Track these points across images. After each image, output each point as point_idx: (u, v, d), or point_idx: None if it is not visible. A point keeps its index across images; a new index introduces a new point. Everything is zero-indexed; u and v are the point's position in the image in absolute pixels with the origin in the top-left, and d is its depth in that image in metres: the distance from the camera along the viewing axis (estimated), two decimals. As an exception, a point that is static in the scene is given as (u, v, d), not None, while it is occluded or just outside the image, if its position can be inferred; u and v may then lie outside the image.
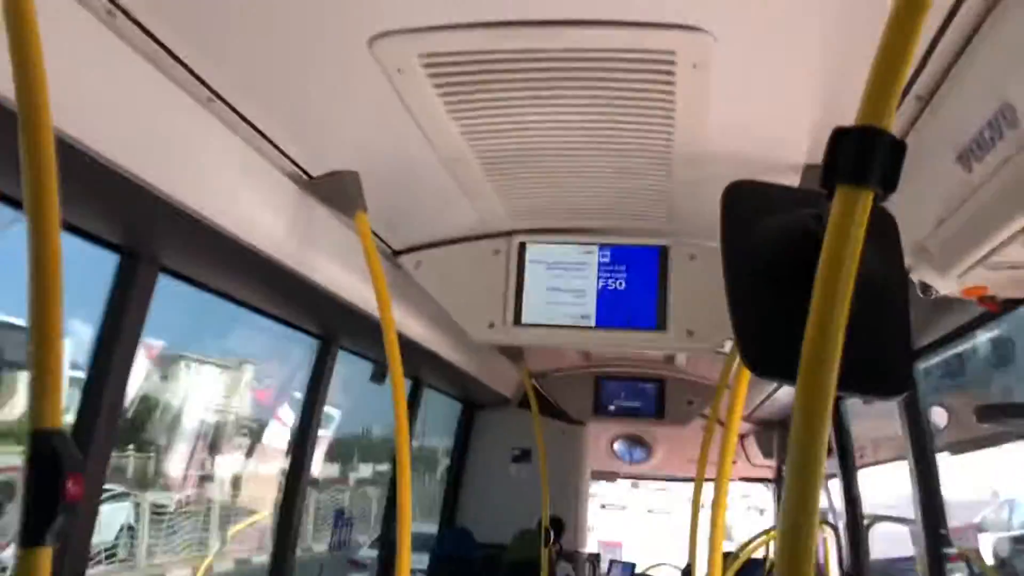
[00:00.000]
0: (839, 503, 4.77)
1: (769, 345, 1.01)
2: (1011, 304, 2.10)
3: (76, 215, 2.07)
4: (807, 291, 0.90)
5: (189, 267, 2.59)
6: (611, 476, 7.93)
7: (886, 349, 1.05)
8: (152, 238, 2.33)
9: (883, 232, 1.13)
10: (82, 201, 1.96)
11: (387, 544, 5.00)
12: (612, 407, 6.01)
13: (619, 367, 6.00)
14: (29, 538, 0.93)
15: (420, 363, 4.43)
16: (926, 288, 2.02)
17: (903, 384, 1.03)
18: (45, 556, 0.94)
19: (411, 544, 2.39)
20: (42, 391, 0.97)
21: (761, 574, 5.80)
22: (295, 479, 3.74)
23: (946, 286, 1.97)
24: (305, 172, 2.44)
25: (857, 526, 4.64)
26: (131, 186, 1.84)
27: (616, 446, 7.18)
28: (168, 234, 2.28)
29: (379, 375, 4.31)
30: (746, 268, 1.07)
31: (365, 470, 9.74)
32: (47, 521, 0.94)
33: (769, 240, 1.08)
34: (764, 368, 1.01)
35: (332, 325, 3.57)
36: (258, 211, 2.34)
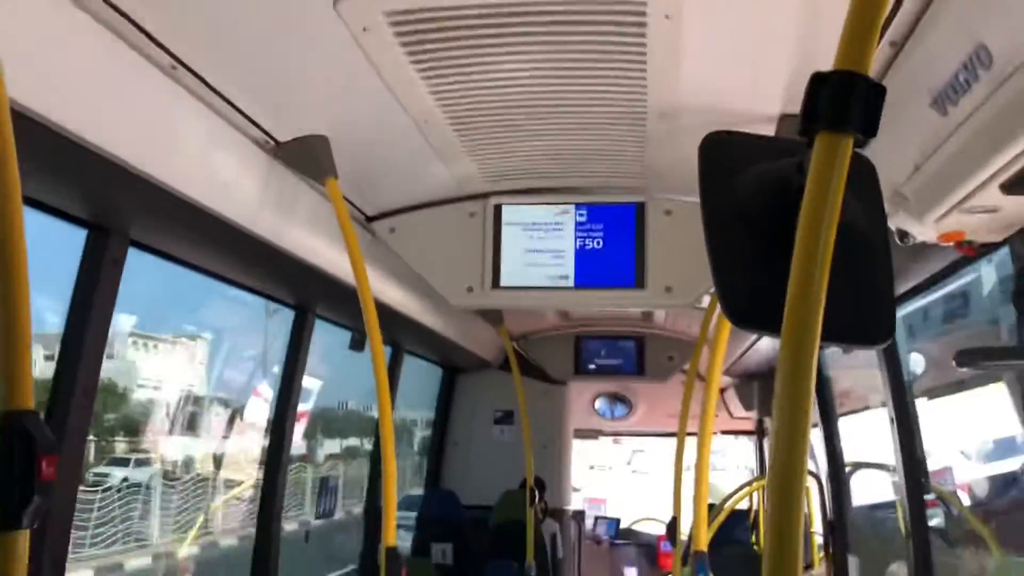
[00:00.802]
0: (820, 452, 4.83)
1: (751, 297, 1.00)
2: (987, 248, 2.11)
3: (40, 190, 2.02)
4: (789, 241, 0.89)
5: (160, 240, 2.55)
6: (593, 434, 7.99)
7: (869, 297, 1.04)
8: (120, 211, 2.28)
9: (863, 179, 1.11)
10: (45, 175, 1.91)
11: (373, 509, 5.02)
12: (592, 366, 6.04)
13: (598, 326, 6.01)
14: (6, 521, 0.91)
15: (399, 329, 4.42)
16: (903, 235, 2.02)
17: (887, 332, 1.02)
18: (23, 539, 0.92)
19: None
20: (10, 373, 0.94)
21: (746, 525, 5.89)
22: (277, 448, 3.73)
23: (923, 232, 1.97)
24: (273, 139, 2.39)
25: (839, 474, 4.70)
26: (94, 158, 1.80)
27: (597, 404, 7.22)
28: (136, 206, 2.24)
29: (358, 343, 4.28)
30: (726, 220, 1.05)
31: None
32: (23, 503, 0.92)
33: (749, 191, 1.06)
34: (746, 321, 1.00)
35: (308, 294, 3.53)
36: (227, 179, 2.30)
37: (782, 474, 0.84)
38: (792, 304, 0.87)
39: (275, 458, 3.71)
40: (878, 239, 1.08)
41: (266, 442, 3.87)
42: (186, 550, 6.54)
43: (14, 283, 0.96)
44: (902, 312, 3.31)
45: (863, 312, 1.02)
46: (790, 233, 0.89)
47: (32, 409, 0.95)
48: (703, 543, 2.53)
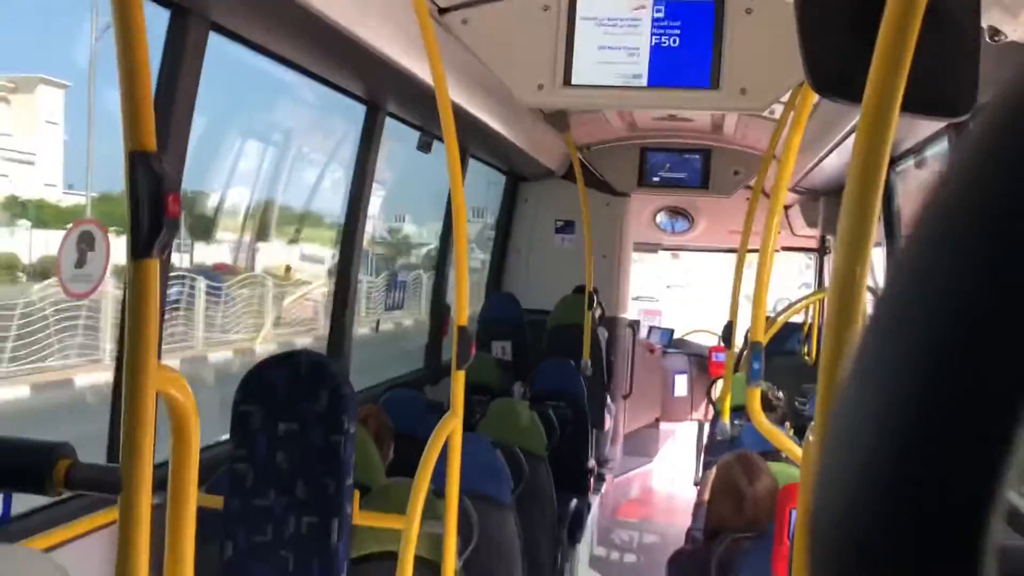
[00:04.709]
0: (881, 271, 4.85)
1: (835, 65, 1.02)
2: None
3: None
4: (878, 9, 0.90)
5: (239, 24, 2.57)
6: (653, 247, 8.07)
7: (953, 71, 1.04)
8: None
9: None
10: None
11: (439, 307, 5.23)
12: (656, 178, 6.03)
13: (665, 138, 5.95)
14: (139, 251, 1.01)
15: (465, 132, 4.43)
16: (995, 33, 1.95)
17: (967, 106, 1.04)
18: (154, 267, 1.02)
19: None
20: (134, 116, 1.01)
21: (799, 337, 6.02)
22: (349, 244, 3.89)
23: (1017, 30, 1.90)
24: None
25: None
26: None
27: (659, 218, 7.26)
28: None
29: (425, 144, 4.33)
30: None
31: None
32: (154, 235, 1.02)
33: None
34: (829, 88, 1.02)
35: (379, 89, 3.55)
36: None
37: (844, 279, 0.88)
38: (876, 71, 0.89)
39: (347, 254, 3.87)
40: (968, 14, 1.07)
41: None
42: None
43: (133, 36, 1.02)
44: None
45: (946, 85, 1.03)
46: (880, 1, 0.90)
47: (155, 150, 1.03)
48: (761, 335, 2.62)
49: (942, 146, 3.66)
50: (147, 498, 0.97)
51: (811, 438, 0.92)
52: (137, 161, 1.01)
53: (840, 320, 0.88)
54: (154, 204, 1.01)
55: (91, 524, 2.21)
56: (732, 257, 5.42)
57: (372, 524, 2.37)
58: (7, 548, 1.62)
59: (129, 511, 0.97)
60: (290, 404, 2.29)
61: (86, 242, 2.18)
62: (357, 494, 2.31)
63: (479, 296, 6.24)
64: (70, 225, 2.25)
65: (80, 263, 2.19)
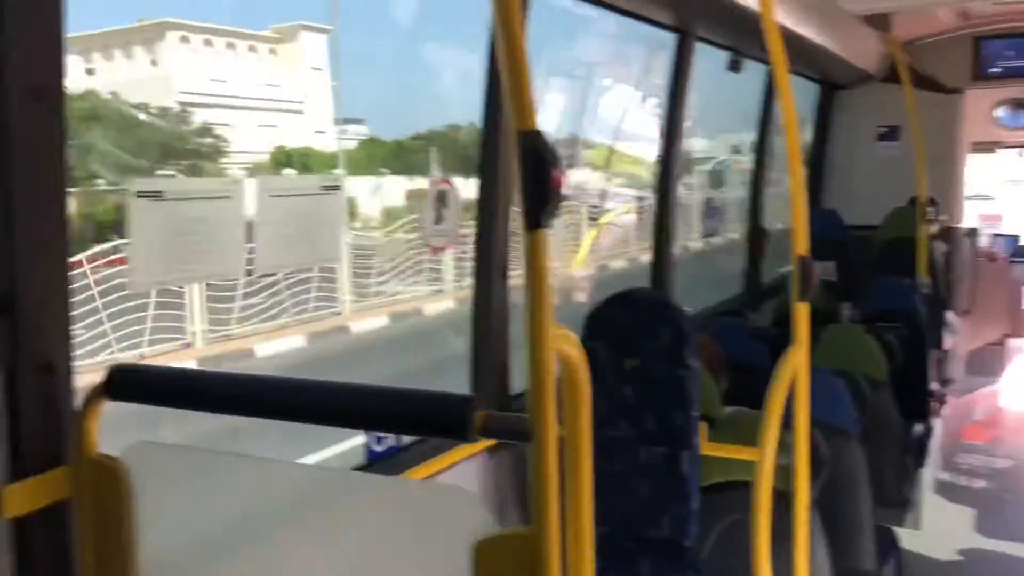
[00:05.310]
0: None
1: None
2: None
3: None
4: None
5: None
6: (991, 147, 7.24)
7: None
8: None
9: None
10: None
11: (756, 230, 5.12)
12: (995, 69, 5.41)
13: (1004, 22, 5.28)
14: (532, 222, 1.11)
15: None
16: None
17: None
18: (545, 237, 1.12)
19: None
20: (518, 97, 1.10)
21: None
22: (666, 174, 3.90)
23: None
24: None
25: None
26: None
27: (998, 112, 6.48)
28: None
29: (735, 64, 4.19)
30: None
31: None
32: (543, 208, 1.10)
33: None
34: None
35: (690, 15, 3.48)
36: None
37: None
38: None
39: (665, 182, 3.89)
40: None
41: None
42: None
43: (511, 21, 1.10)
44: None
45: None
46: None
47: (537, 129, 1.11)
48: None
49: None
50: (554, 444, 1.08)
51: None
52: (524, 140, 1.10)
53: None
54: (541, 179, 1.10)
55: (461, 454, 2.46)
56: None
57: (722, 455, 2.42)
58: (425, 484, 1.86)
59: (541, 455, 1.09)
60: (632, 341, 2.38)
61: (441, 201, 2.39)
62: (704, 426, 2.36)
63: (786, 214, 5.98)
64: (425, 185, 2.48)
65: (438, 219, 2.41)
